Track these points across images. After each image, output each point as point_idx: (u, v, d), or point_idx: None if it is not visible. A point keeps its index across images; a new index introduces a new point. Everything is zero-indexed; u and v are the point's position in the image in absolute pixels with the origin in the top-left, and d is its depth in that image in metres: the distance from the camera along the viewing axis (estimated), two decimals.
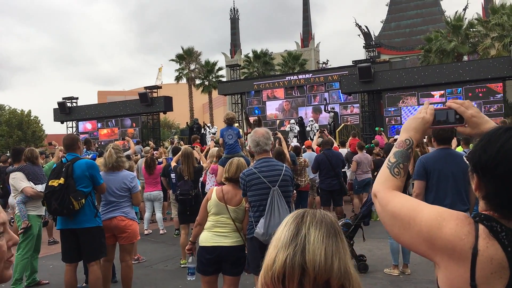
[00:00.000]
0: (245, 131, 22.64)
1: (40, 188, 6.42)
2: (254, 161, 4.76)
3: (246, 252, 4.59)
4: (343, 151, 12.12)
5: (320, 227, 1.17)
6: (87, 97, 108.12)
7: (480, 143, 1.29)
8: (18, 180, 6.37)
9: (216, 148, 9.83)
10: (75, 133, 31.04)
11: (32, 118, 51.26)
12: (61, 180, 5.03)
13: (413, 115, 1.71)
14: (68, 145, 5.45)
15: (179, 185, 7.30)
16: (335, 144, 11.06)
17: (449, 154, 4.74)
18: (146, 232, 10.19)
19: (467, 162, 1.39)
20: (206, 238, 4.51)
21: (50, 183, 5.14)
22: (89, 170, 5.18)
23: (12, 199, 8.99)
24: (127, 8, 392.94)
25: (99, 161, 6.23)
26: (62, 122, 31.41)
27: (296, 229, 1.18)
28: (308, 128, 22.51)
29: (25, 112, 50.66)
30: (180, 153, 8.17)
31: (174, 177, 8.75)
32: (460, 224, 1.26)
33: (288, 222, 1.22)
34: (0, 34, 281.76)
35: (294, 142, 14.59)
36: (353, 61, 26.77)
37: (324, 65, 50.09)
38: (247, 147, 8.65)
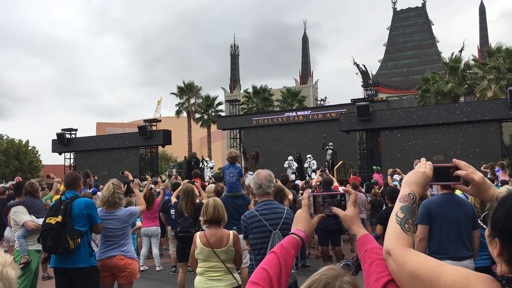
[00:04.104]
0: (243, 165, 22.64)
1: (41, 221, 6.35)
2: (255, 203, 4.75)
3: None
4: (342, 189, 12.08)
5: None
6: (87, 129, 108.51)
7: (501, 208, 1.28)
8: (19, 214, 6.29)
9: (213, 185, 9.74)
10: (72, 164, 30.97)
11: (29, 148, 51.22)
12: (59, 218, 4.96)
13: (414, 169, 1.73)
14: (69, 183, 5.42)
15: (179, 222, 7.23)
16: (335, 183, 11.03)
17: (453, 199, 4.73)
18: (142, 268, 10.01)
19: (483, 225, 1.39)
20: (200, 283, 4.49)
21: (47, 221, 5.06)
22: (87, 210, 5.12)
23: (9, 233, 8.91)
24: (132, 42, 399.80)
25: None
26: (60, 153, 31.37)
27: None
28: (306, 165, 22.52)
29: (23, 142, 50.64)
30: (179, 188, 8.13)
31: (173, 213, 8.67)
32: None
33: None
34: (6, 65, 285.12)
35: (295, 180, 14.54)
36: (351, 99, 27.10)
37: (322, 102, 50.62)
38: (248, 186, 8.64)
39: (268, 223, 4.30)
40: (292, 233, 1.77)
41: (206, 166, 24.87)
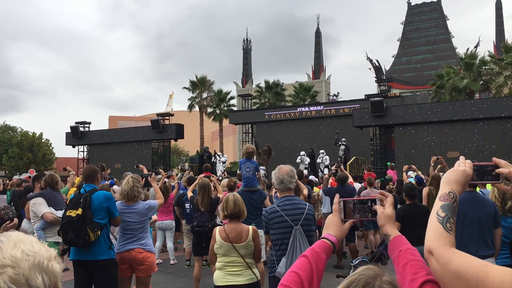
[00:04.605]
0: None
1: (60, 214, 6.40)
2: (275, 198, 4.73)
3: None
4: (357, 185, 12.02)
5: None
6: (100, 122, 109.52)
7: None
8: (38, 206, 6.34)
9: (227, 179, 9.73)
10: (86, 157, 31.22)
11: (43, 140, 51.72)
12: (79, 211, 5.02)
13: (453, 167, 1.70)
14: (87, 176, 5.46)
15: (195, 216, 7.23)
16: (350, 179, 10.95)
17: (475, 198, 4.67)
18: (156, 261, 10.06)
19: None
20: (219, 277, 4.50)
21: (67, 213, 5.11)
22: (106, 202, 5.17)
23: (26, 224, 8.99)
24: (145, 36, 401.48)
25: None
26: (73, 146, 31.63)
27: None
28: (318, 160, 22.45)
29: (37, 135, 51.15)
30: (195, 183, 8.13)
31: (188, 207, 8.69)
32: None
33: None
34: (20, 58, 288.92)
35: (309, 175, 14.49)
36: (365, 95, 26.93)
37: (335, 97, 50.39)
38: (264, 181, 8.61)
39: (289, 218, 4.28)
40: (323, 238, 1.77)
41: (219, 160, 24.92)
